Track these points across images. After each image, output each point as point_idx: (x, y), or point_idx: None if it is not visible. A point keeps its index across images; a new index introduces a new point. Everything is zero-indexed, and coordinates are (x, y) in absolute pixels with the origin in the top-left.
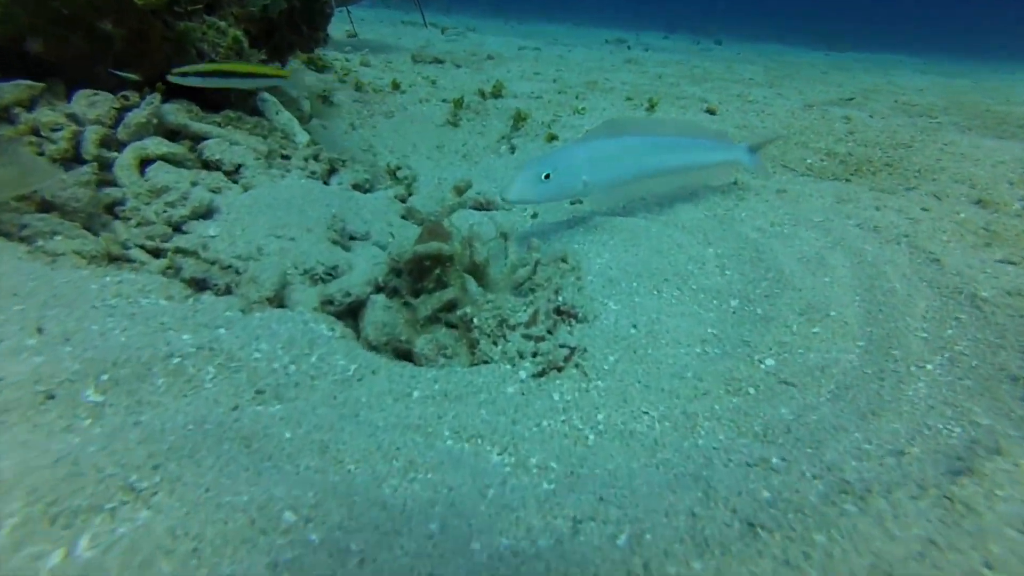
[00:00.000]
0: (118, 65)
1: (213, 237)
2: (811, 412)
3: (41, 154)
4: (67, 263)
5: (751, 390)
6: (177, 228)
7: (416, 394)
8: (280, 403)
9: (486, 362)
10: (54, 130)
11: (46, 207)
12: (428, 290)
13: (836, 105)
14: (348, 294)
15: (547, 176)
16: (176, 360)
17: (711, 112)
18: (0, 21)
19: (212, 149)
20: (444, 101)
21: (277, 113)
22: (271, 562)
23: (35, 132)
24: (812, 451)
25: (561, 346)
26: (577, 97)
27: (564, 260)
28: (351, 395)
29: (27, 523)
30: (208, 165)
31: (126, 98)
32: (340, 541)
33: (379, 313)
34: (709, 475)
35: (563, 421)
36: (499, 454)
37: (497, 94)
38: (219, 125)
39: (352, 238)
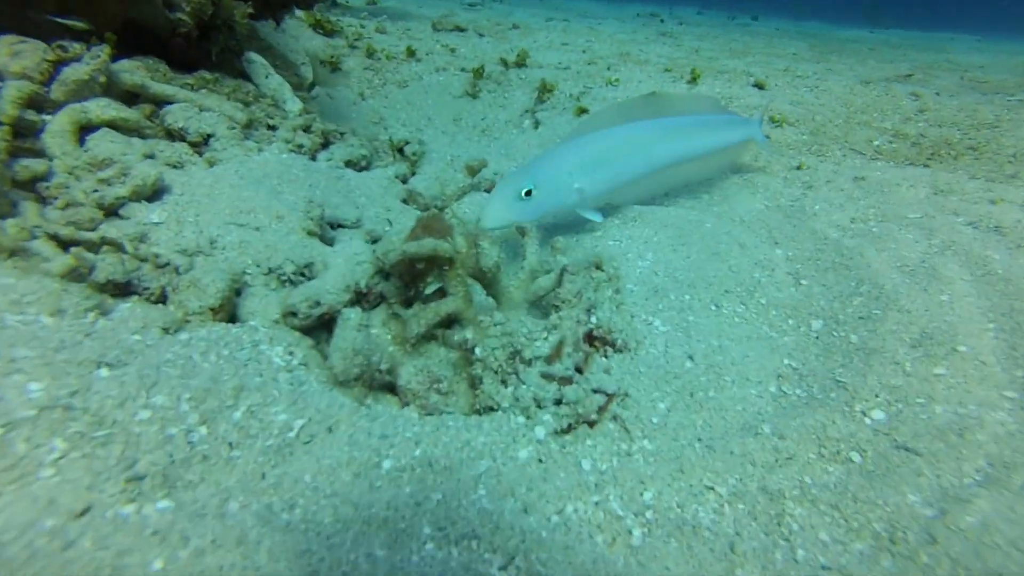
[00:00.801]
0: (63, 10)
1: (156, 224)
2: (961, 508)
3: None
4: None
5: (855, 456)
6: (112, 212)
7: (387, 464)
8: (168, 497)
9: (492, 408)
10: None
11: None
12: (423, 298)
13: (896, 82)
14: (317, 304)
15: (527, 192)
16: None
17: (760, 86)
18: None
19: (175, 115)
20: (463, 71)
21: (266, 76)
22: None
23: None
24: None
25: (595, 391)
26: (609, 68)
27: (599, 267)
28: (288, 473)
29: None
30: (172, 135)
31: (63, 48)
32: None
33: (350, 336)
34: None
35: (596, 504)
36: (501, 568)
37: (521, 63)
38: (191, 88)
39: (340, 226)
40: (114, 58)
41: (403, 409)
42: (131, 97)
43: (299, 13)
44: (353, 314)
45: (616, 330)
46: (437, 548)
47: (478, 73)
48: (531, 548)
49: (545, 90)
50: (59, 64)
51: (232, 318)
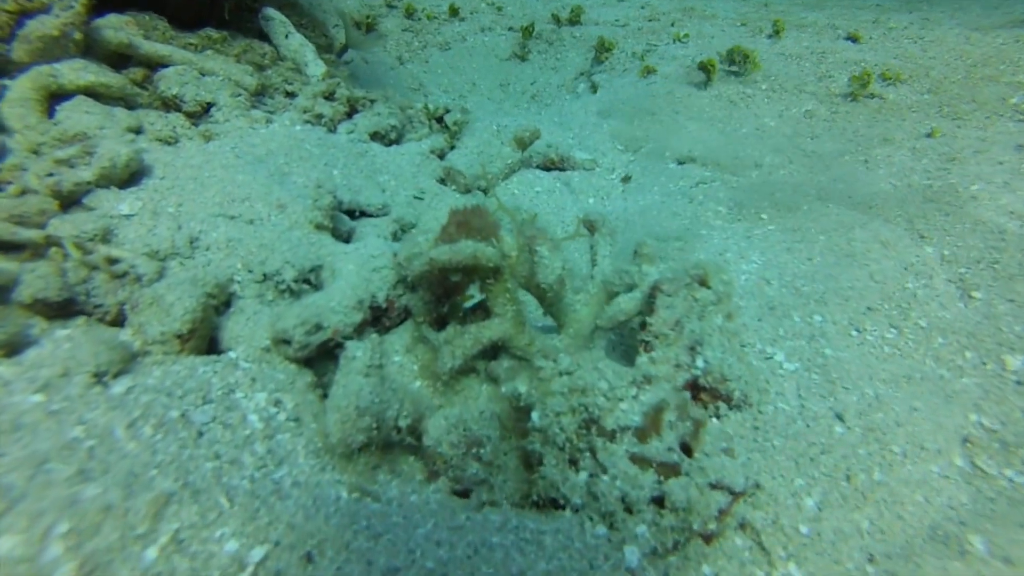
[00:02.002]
0: None
1: (126, 217)
2: None
3: None
4: None
5: None
6: (70, 201)
7: None
8: None
9: (556, 504)
10: None
11: None
12: (459, 314)
13: (1018, 27)
14: (318, 327)
15: None
16: None
17: (854, 39)
18: None
19: (169, 80)
20: (511, 30)
21: (286, 36)
22: None
23: None
24: None
25: (713, 486)
26: (673, 24)
27: (704, 283)
28: None
29: None
30: (167, 103)
31: None
32: None
33: (354, 383)
34: None
35: None
36: None
37: (575, 20)
38: (193, 48)
39: (363, 214)
40: (97, 11)
41: (429, 490)
42: (120, 59)
43: None
44: (360, 351)
45: (732, 377)
46: None
47: (527, 32)
48: None
49: (603, 49)
50: (22, 16)
51: (212, 344)
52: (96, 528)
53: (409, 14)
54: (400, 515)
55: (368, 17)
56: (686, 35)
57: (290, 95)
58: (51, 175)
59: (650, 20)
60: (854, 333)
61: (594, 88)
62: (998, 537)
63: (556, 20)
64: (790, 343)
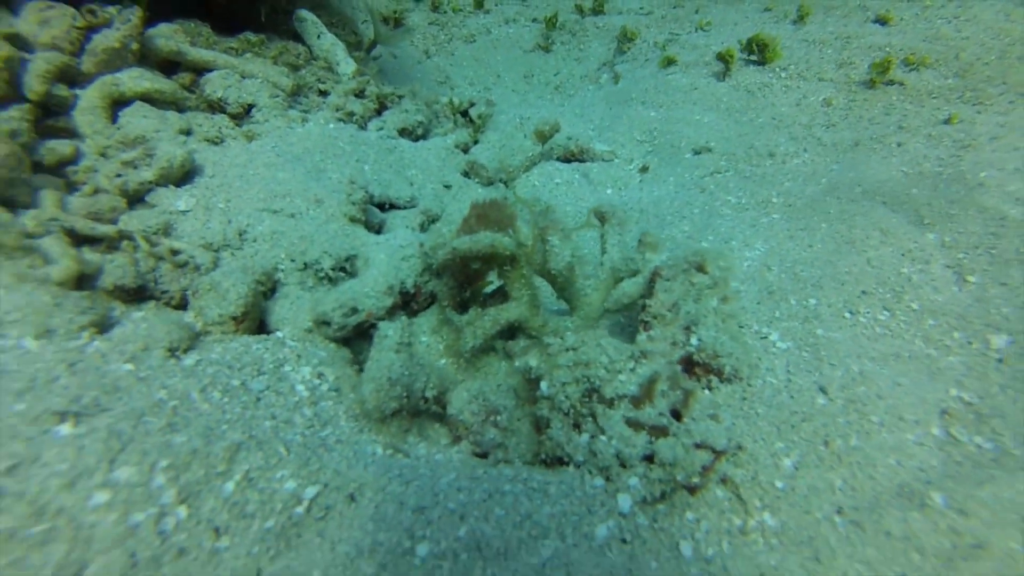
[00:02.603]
0: None
1: (182, 213)
2: None
3: None
4: None
5: None
6: (136, 199)
7: (423, 550)
8: None
9: (561, 461)
10: None
11: None
12: (480, 299)
13: None
14: (354, 311)
15: None
16: None
17: (883, 21)
18: None
19: (215, 84)
20: (535, 21)
21: (319, 36)
22: None
23: None
24: None
25: (697, 446)
26: (698, 11)
27: (701, 268)
28: (292, 567)
29: None
30: (212, 106)
31: (93, 13)
32: None
33: (386, 359)
34: None
35: None
36: None
37: (598, 10)
38: (234, 52)
39: (392, 206)
40: (150, 22)
41: (452, 452)
42: (170, 65)
43: None
44: (392, 330)
45: (724, 354)
46: None
47: (551, 23)
48: None
49: (626, 39)
50: (89, 31)
51: (261, 326)
52: (187, 465)
53: (435, 7)
54: (427, 468)
55: (395, 12)
56: (708, 23)
57: (323, 93)
58: (119, 176)
59: (675, 7)
60: (847, 315)
61: (616, 79)
62: (957, 493)
63: (580, 11)
64: (785, 324)
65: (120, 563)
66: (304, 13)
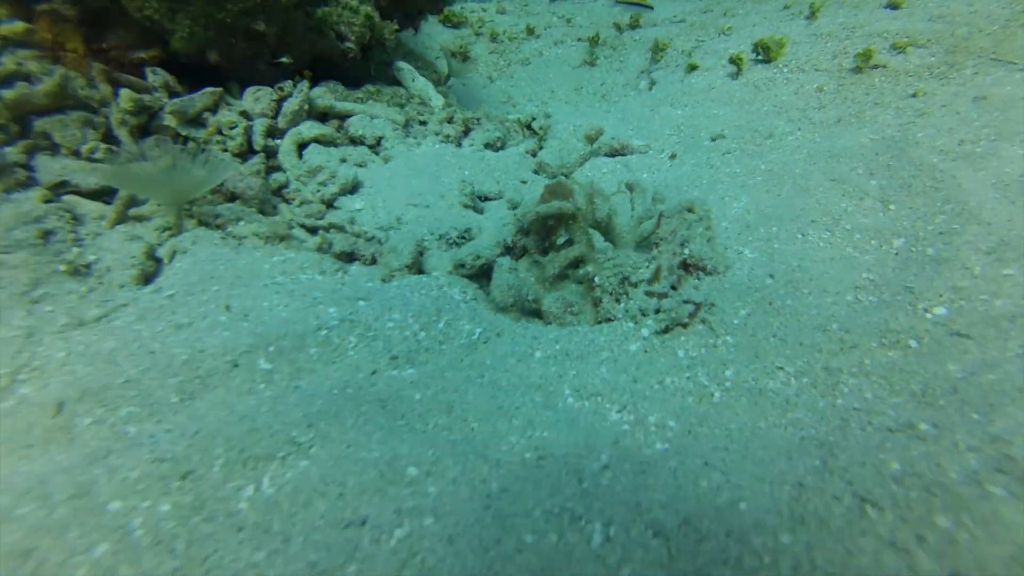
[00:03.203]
0: (275, 55)
1: (359, 211)
2: (989, 370)
3: (225, 150)
4: (248, 244)
5: (912, 343)
6: (330, 205)
7: (538, 355)
8: (412, 367)
9: (609, 320)
10: (231, 128)
11: (231, 197)
12: (555, 247)
13: None
14: (478, 257)
15: None
16: (324, 332)
17: (894, 6)
18: (188, 41)
19: (355, 126)
20: (580, 40)
21: (413, 80)
22: (396, 509)
23: (219, 131)
24: (979, 417)
25: (685, 302)
26: (725, 14)
27: (690, 210)
28: (476, 358)
29: (228, 464)
30: (354, 141)
31: (282, 89)
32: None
33: (504, 276)
34: (837, 440)
35: (688, 378)
36: (618, 412)
37: (635, 24)
38: (361, 101)
39: (486, 199)
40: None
41: (546, 326)
42: (323, 115)
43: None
44: (505, 261)
45: (707, 258)
46: (575, 401)
47: (594, 41)
48: (638, 401)
49: (658, 49)
50: (281, 101)
51: (420, 271)
52: (419, 315)
53: (493, 38)
54: (535, 328)
55: (461, 47)
56: (729, 28)
57: (423, 123)
58: (318, 191)
59: (704, 12)
60: (799, 236)
61: (652, 84)
62: (847, 323)
63: (618, 27)
64: (753, 244)
65: (406, 348)
66: (400, 64)
